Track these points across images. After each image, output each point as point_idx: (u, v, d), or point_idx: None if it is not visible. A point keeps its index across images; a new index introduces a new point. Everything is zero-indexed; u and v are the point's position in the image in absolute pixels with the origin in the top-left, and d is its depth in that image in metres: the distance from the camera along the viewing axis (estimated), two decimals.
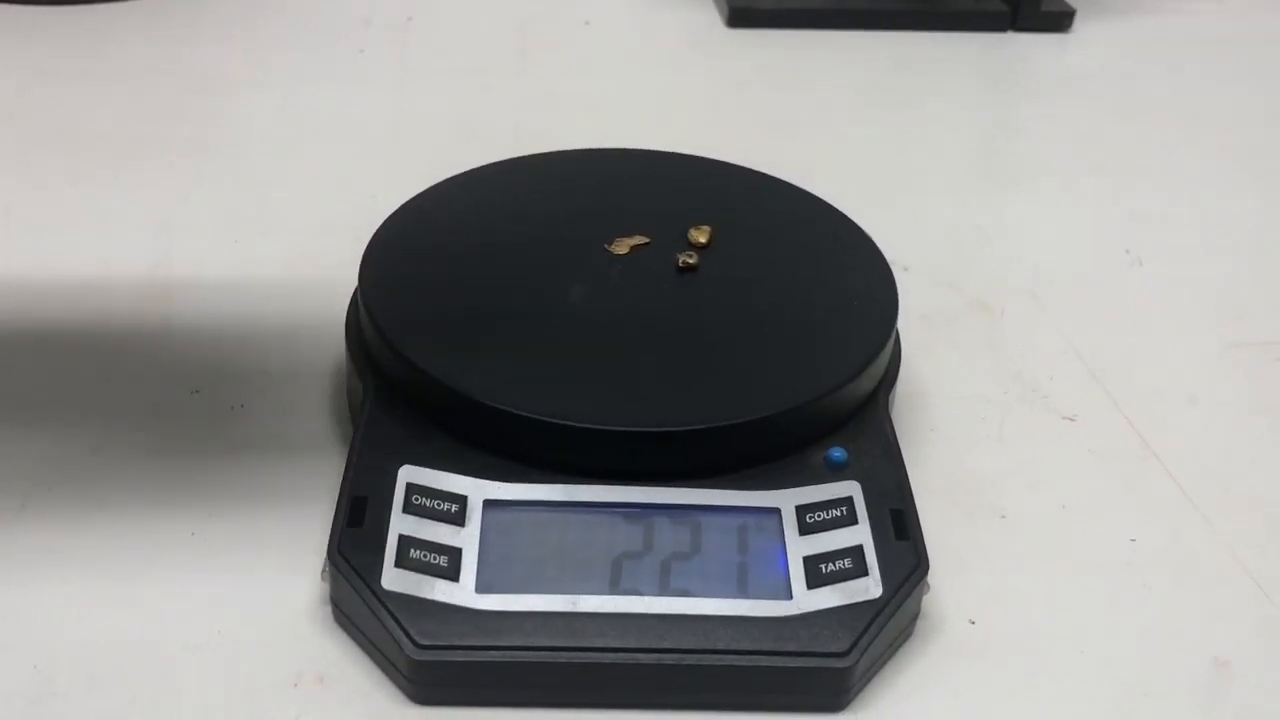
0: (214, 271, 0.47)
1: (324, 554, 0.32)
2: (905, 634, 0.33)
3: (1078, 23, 0.75)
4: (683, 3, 0.76)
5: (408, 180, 0.44)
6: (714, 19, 0.74)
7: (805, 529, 0.33)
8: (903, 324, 0.39)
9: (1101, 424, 0.42)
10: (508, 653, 0.30)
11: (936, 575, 0.33)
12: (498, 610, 0.31)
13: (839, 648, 0.30)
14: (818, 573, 0.32)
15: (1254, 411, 0.43)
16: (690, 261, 0.39)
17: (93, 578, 0.34)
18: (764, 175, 0.46)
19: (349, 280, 0.39)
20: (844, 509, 0.33)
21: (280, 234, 0.50)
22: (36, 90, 0.61)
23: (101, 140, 0.57)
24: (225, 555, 0.35)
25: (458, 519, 0.32)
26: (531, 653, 0.30)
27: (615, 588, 0.31)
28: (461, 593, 0.31)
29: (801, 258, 0.41)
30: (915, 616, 0.33)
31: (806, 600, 0.31)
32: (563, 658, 0.30)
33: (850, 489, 0.34)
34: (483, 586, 0.31)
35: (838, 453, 0.35)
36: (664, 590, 0.31)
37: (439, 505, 0.33)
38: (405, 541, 0.32)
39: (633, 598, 0.31)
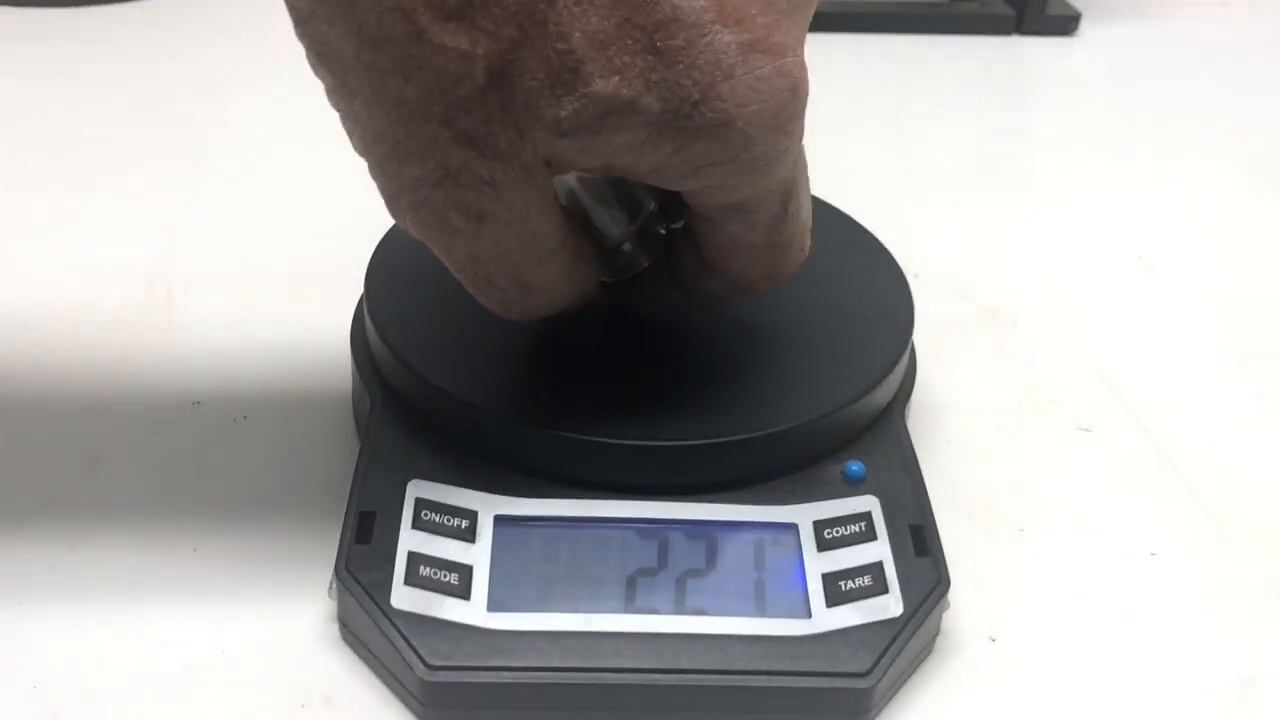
0: (215, 279, 0.47)
1: (331, 571, 0.31)
2: (925, 652, 0.32)
3: (1083, 26, 0.75)
4: None
5: None
6: None
7: (824, 545, 0.32)
8: (915, 333, 0.39)
9: (1118, 435, 0.41)
10: (520, 673, 0.29)
11: (955, 591, 0.32)
12: (510, 629, 0.30)
13: (860, 668, 0.30)
14: (837, 590, 0.31)
15: (1272, 421, 0.42)
16: None
17: (92, 595, 0.33)
18: None
19: (354, 286, 0.38)
20: (863, 524, 0.33)
21: (282, 239, 0.49)
22: (31, 94, 0.61)
23: (99, 145, 0.56)
24: (229, 572, 0.34)
25: (468, 535, 0.32)
26: (545, 673, 0.29)
27: (630, 606, 0.31)
28: (473, 611, 0.30)
29: (815, 266, 0.40)
30: (935, 634, 0.33)
31: (826, 619, 0.30)
32: (577, 678, 0.29)
33: (869, 504, 0.33)
34: (495, 605, 0.30)
35: (855, 466, 0.34)
36: (680, 609, 0.31)
37: (449, 521, 0.32)
38: (415, 558, 0.31)
39: (648, 616, 0.30)
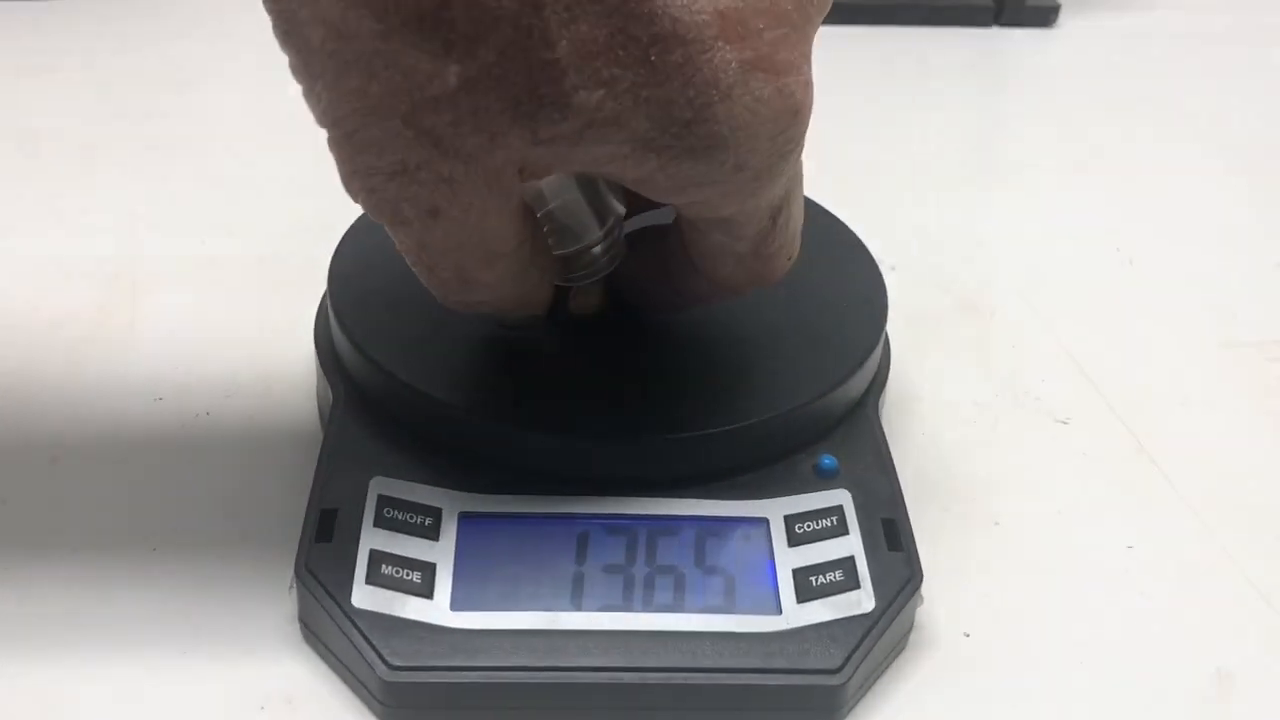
0: (179, 273, 0.46)
1: (292, 569, 0.30)
2: (899, 648, 0.32)
3: (1062, 17, 0.74)
4: None
5: None
6: None
7: (794, 540, 0.32)
8: (890, 326, 0.38)
9: (1095, 427, 0.41)
10: (484, 673, 0.29)
11: (930, 585, 0.32)
12: (474, 628, 0.29)
13: (831, 664, 0.29)
14: (808, 586, 0.30)
15: (1250, 413, 0.42)
16: None
17: (47, 597, 0.32)
18: None
19: (319, 282, 0.37)
20: (834, 519, 0.32)
21: (248, 234, 0.48)
22: None
23: (62, 139, 0.55)
24: (188, 572, 0.33)
25: (431, 532, 0.31)
26: (509, 673, 0.29)
27: (597, 603, 0.30)
28: (435, 610, 0.29)
29: None
30: (909, 630, 0.32)
31: (796, 615, 0.30)
32: (542, 678, 0.29)
33: (840, 498, 0.33)
34: (458, 604, 0.30)
35: (828, 460, 0.33)
36: (648, 606, 0.30)
37: (412, 518, 0.31)
38: (376, 557, 0.30)
39: (615, 614, 0.30)
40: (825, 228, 0.42)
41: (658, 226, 0.33)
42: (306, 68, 0.25)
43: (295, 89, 0.26)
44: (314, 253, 0.39)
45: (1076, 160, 0.59)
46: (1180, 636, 0.33)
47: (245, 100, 0.59)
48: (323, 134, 0.26)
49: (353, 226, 0.39)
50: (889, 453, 0.34)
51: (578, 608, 0.30)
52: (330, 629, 0.30)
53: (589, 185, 0.31)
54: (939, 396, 0.42)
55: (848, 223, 0.42)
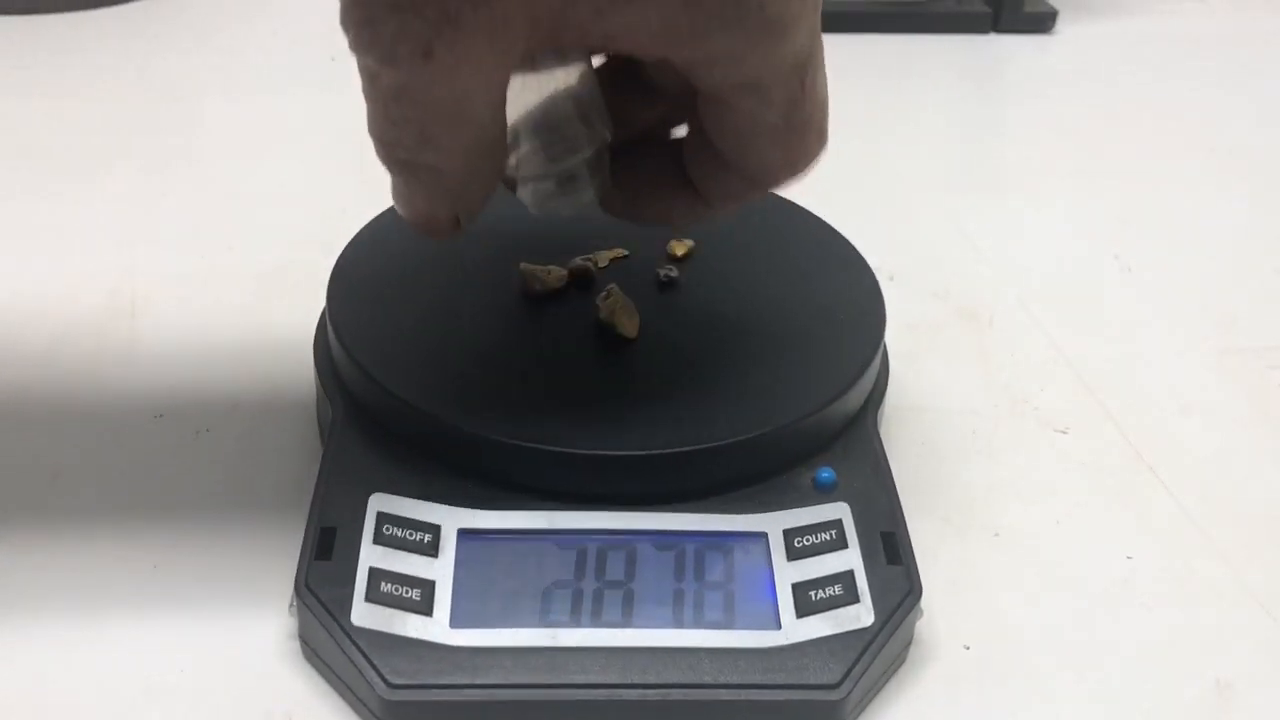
0: (179, 289, 0.46)
1: (292, 587, 0.30)
2: (898, 662, 0.32)
3: (1060, 24, 0.75)
4: None
5: (379, 192, 0.42)
6: None
7: (793, 554, 0.32)
8: (888, 335, 0.38)
9: (1094, 436, 0.41)
10: (484, 691, 0.29)
11: (929, 598, 0.32)
12: (473, 646, 0.29)
13: (830, 679, 0.29)
14: (807, 600, 0.30)
15: (1249, 420, 0.42)
16: (671, 275, 0.38)
17: (48, 614, 0.32)
18: None
19: (319, 296, 0.37)
20: (833, 532, 0.32)
21: (248, 249, 0.49)
22: None
23: (64, 151, 0.55)
24: (189, 589, 0.33)
25: (430, 549, 0.31)
26: (509, 690, 0.29)
27: (597, 620, 0.30)
28: (435, 628, 0.29)
29: (784, 268, 0.40)
30: (908, 643, 0.32)
31: (796, 630, 0.30)
32: (542, 695, 0.29)
33: (839, 511, 0.33)
34: (458, 621, 0.30)
35: (826, 473, 0.33)
36: (647, 622, 0.30)
37: (411, 535, 0.31)
38: (376, 574, 0.30)
39: (615, 630, 0.30)
40: (822, 237, 0.42)
41: (664, 142, 0.33)
42: None
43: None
44: (313, 268, 0.39)
45: (1074, 167, 0.59)
46: (1180, 647, 0.33)
47: (246, 114, 0.59)
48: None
49: (352, 242, 0.39)
50: (888, 465, 0.34)
51: (577, 624, 0.30)
52: (330, 647, 0.30)
53: (582, 100, 0.30)
54: (937, 406, 0.42)
55: (844, 231, 0.42)
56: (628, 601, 0.30)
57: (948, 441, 0.40)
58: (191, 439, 0.38)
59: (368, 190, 0.45)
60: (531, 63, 0.29)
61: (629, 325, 0.36)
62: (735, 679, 0.29)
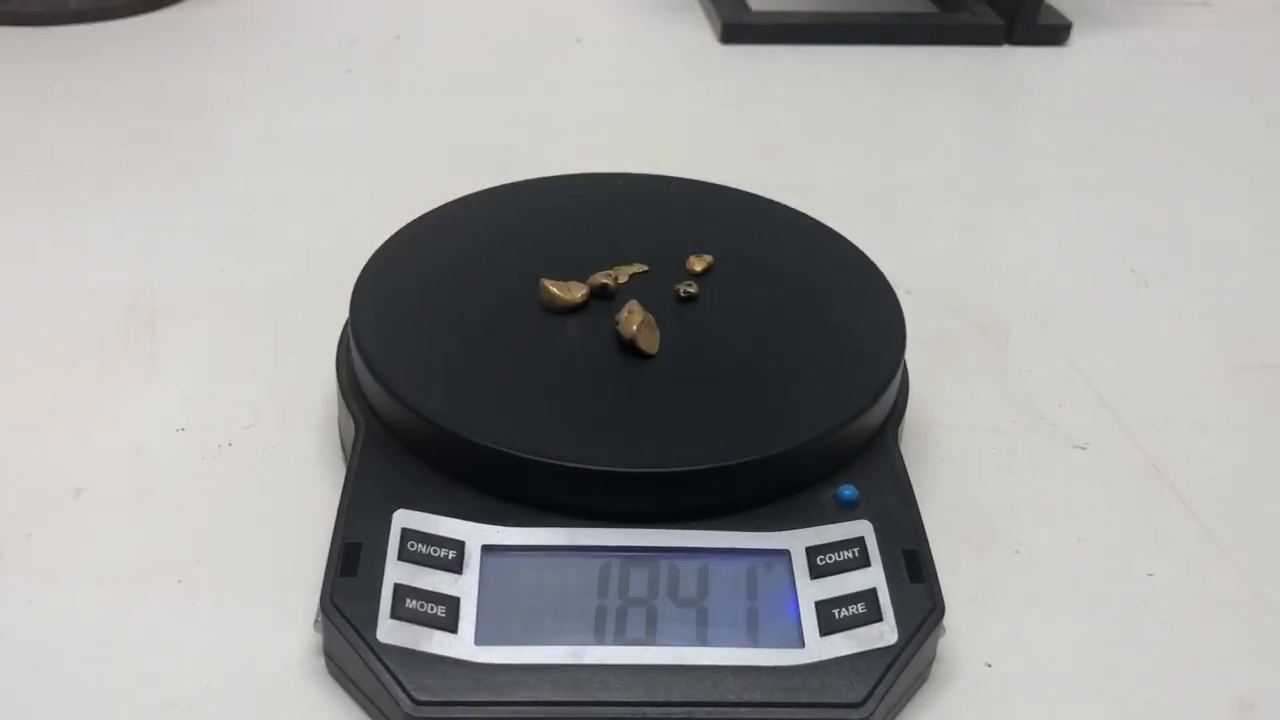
0: (198, 303, 0.46)
1: (317, 602, 0.31)
2: (921, 679, 0.32)
3: (1074, 35, 0.75)
4: (674, 18, 0.75)
5: (397, 203, 0.43)
6: (706, 35, 0.73)
7: (816, 572, 0.32)
8: (907, 351, 0.38)
9: (1113, 452, 0.41)
10: (509, 708, 0.29)
11: (951, 615, 0.32)
12: (498, 663, 0.29)
13: (854, 698, 0.29)
14: (830, 618, 0.31)
15: (1268, 436, 0.42)
16: (691, 291, 0.38)
17: (72, 629, 0.32)
18: (760, 198, 0.45)
19: (339, 309, 0.38)
20: (856, 550, 0.32)
21: (267, 261, 0.49)
22: (12, 113, 0.60)
23: (80, 165, 0.55)
24: (213, 604, 0.33)
25: (455, 566, 0.31)
26: (534, 708, 0.29)
27: (620, 637, 0.30)
28: (460, 645, 0.30)
29: (804, 285, 0.40)
30: (931, 661, 0.32)
31: (819, 648, 0.30)
32: (566, 713, 0.29)
33: (862, 529, 0.33)
34: (482, 638, 0.30)
35: (848, 490, 0.33)
36: (671, 639, 0.30)
37: (435, 552, 0.31)
38: (401, 591, 0.30)
39: (639, 648, 0.30)
40: (841, 253, 0.42)
41: None
42: None
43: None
44: (335, 282, 0.39)
45: (1089, 179, 0.59)
46: (1202, 667, 0.33)
47: (265, 126, 0.59)
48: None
49: (374, 255, 0.39)
50: (909, 482, 0.34)
51: (601, 641, 0.30)
52: (355, 663, 0.30)
53: None
54: (957, 423, 0.42)
55: (862, 245, 0.42)
56: (651, 619, 0.30)
57: (967, 458, 0.40)
58: (213, 453, 0.39)
59: (384, 203, 0.45)
60: None
61: (649, 342, 0.36)
62: (759, 697, 0.29)
